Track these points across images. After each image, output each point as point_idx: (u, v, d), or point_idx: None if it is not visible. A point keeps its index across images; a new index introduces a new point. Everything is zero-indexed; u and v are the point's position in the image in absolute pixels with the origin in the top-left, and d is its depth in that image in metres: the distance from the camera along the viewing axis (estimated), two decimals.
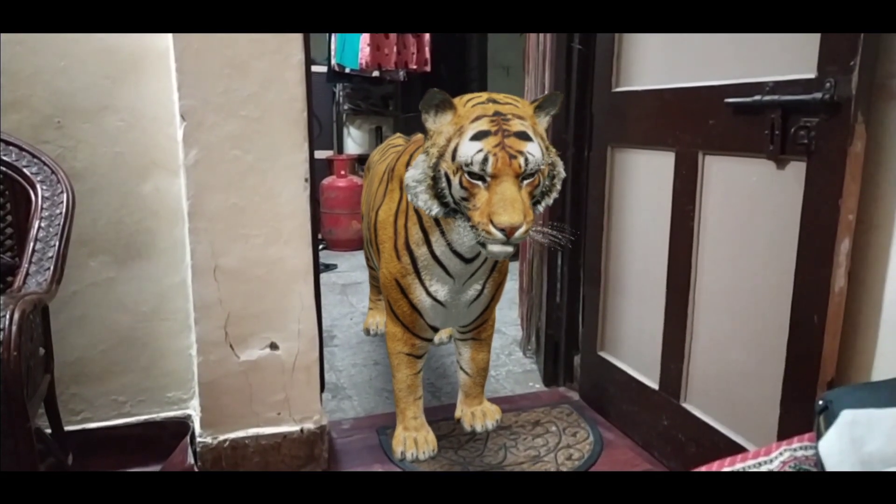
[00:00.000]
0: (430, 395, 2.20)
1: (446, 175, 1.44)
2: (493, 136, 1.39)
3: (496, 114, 1.43)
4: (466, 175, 1.40)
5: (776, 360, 1.40)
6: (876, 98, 1.21)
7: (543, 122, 1.53)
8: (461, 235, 1.53)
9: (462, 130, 1.42)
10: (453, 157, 1.42)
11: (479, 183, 1.40)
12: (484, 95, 1.50)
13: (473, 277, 1.70)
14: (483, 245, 1.45)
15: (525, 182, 1.41)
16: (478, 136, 1.40)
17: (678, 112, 1.65)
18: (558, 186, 1.54)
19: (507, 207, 1.36)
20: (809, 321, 1.31)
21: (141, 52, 1.63)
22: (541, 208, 1.53)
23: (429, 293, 1.69)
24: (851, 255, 1.26)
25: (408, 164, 1.65)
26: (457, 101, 1.49)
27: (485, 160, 1.38)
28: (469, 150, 1.39)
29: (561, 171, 1.54)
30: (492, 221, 1.37)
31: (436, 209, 1.49)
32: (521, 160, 1.38)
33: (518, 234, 1.37)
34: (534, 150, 1.40)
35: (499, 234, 1.37)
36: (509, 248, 1.43)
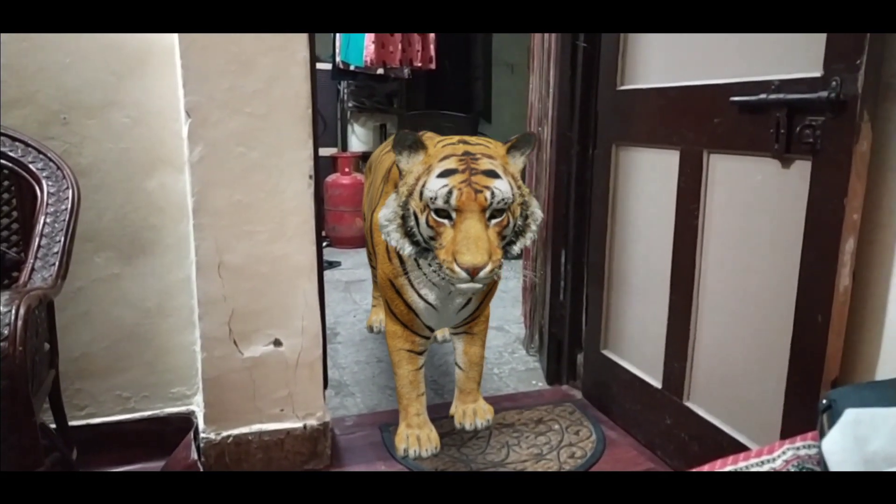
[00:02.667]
0: (432, 392, 2.20)
1: (415, 213, 1.46)
2: (459, 174, 1.41)
3: (465, 154, 1.46)
4: (433, 213, 1.42)
5: (780, 359, 1.40)
6: (882, 97, 1.21)
7: (519, 162, 1.54)
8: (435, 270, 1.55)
9: (430, 169, 1.45)
10: (421, 195, 1.44)
11: (446, 221, 1.42)
12: (455, 138, 1.54)
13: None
14: (451, 281, 1.46)
15: (493, 221, 1.42)
16: (445, 174, 1.42)
17: (683, 110, 1.65)
18: (534, 227, 1.54)
19: (471, 247, 1.37)
20: (813, 320, 1.30)
21: (146, 48, 1.63)
22: (516, 249, 1.53)
23: (420, 296, 1.71)
24: (856, 254, 1.25)
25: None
26: (428, 141, 1.51)
27: (449, 193, 1.39)
28: (435, 186, 1.41)
29: (536, 213, 1.54)
30: (455, 261, 1.38)
31: (408, 248, 1.50)
32: (487, 194, 1.39)
33: (482, 273, 1.38)
34: (501, 186, 1.42)
35: (463, 274, 1.38)
36: (476, 285, 1.44)
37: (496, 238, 1.43)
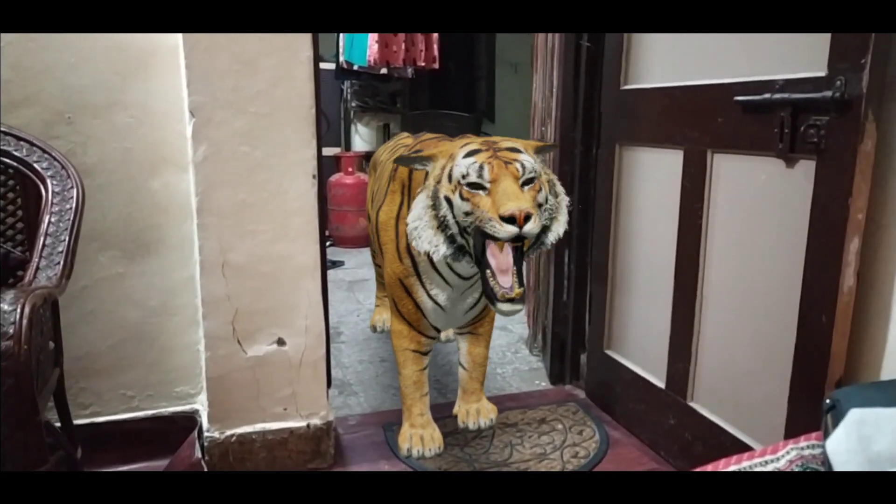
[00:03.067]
0: (436, 392, 2.20)
1: (447, 198, 1.45)
2: (484, 152, 1.43)
3: (485, 141, 1.49)
4: (465, 187, 1.41)
5: (784, 359, 1.40)
6: (886, 96, 1.20)
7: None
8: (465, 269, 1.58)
9: (454, 155, 1.47)
10: (450, 178, 1.44)
11: (480, 192, 1.40)
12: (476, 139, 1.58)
13: (471, 289, 1.72)
14: (492, 301, 1.44)
15: (526, 187, 1.41)
16: (470, 154, 1.44)
17: (687, 110, 1.65)
18: (564, 211, 1.53)
19: (511, 197, 1.35)
20: (818, 320, 1.30)
21: (150, 48, 1.64)
22: (551, 238, 1.49)
23: (430, 296, 1.71)
24: (861, 254, 1.25)
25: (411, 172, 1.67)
26: (435, 151, 1.55)
27: (481, 168, 1.40)
28: (464, 163, 1.42)
29: (563, 195, 1.54)
30: (498, 212, 1.34)
31: (442, 247, 1.46)
32: (518, 165, 1.41)
33: (529, 226, 1.33)
34: (527, 159, 1.43)
35: (508, 227, 1.33)
36: (518, 306, 1.42)
37: (532, 199, 1.40)
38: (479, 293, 1.74)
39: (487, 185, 1.39)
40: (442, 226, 1.45)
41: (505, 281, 1.41)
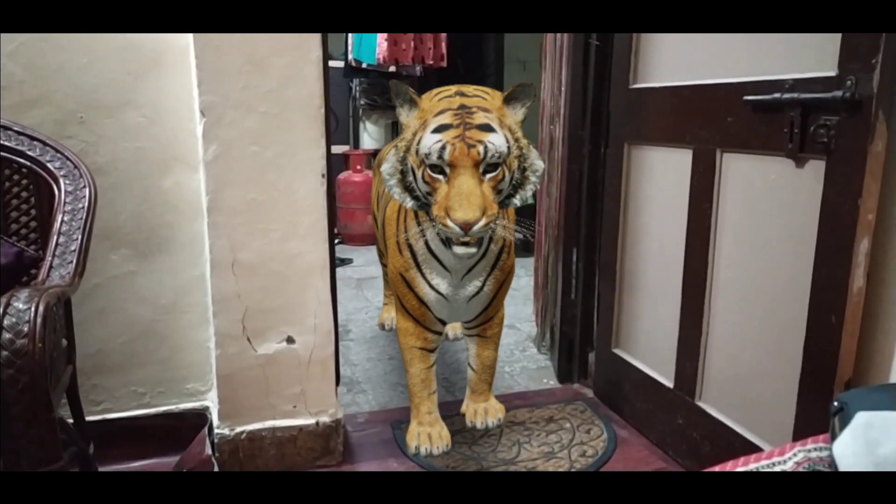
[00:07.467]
0: (444, 389, 2.21)
1: (412, 169, 1.48)
2: (454, 129, 1.42)
3: (461, 107, 1.45)
4: (428, 169, 1.44)
5: (793, 359, 1.40)
6: None
7: (519, 113, 1.52)
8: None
9: (426, 124, 1.46)
10: (417, 151, 1.45)
11: (440, 177, 1.43)
12: (453, 88, 1.53)
13: (471, 273, 1.71)
14: (447, 244, 1.49)
15: (487, 176, 1.42)
16: (439, 129, 1.43)
17: (696, 109, 1.64)
18: (533, 179, 1.52)
19: (463, 202, 1.38)
20: (827, 321, 1.30)
21: (162, 48, 1.65)
22: (517, 202, 1.53)
23: (431, 286, 1.71)
24: (871, 254, 1.25)
25: None
26: (426, 95, 1.53)
27: (442, 149, 1.40)
28: (429, 142, 1.42)
29: (536, 164, 1.52)
30: (448, 216, 1.39)
31: (409, 202, 1.53)
32: (480, 148, 1.40)
33: (475, 228, 1.39)
34: (495, 141, 1.42)
35: (456, 229, 1.39)
36: (471, 249, 1.46)
37: (491, 193, 1.43)
38: (482, 280, 1.73)
39: (447, 169, 1.42)
40: (409, 189, 1.52)
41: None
